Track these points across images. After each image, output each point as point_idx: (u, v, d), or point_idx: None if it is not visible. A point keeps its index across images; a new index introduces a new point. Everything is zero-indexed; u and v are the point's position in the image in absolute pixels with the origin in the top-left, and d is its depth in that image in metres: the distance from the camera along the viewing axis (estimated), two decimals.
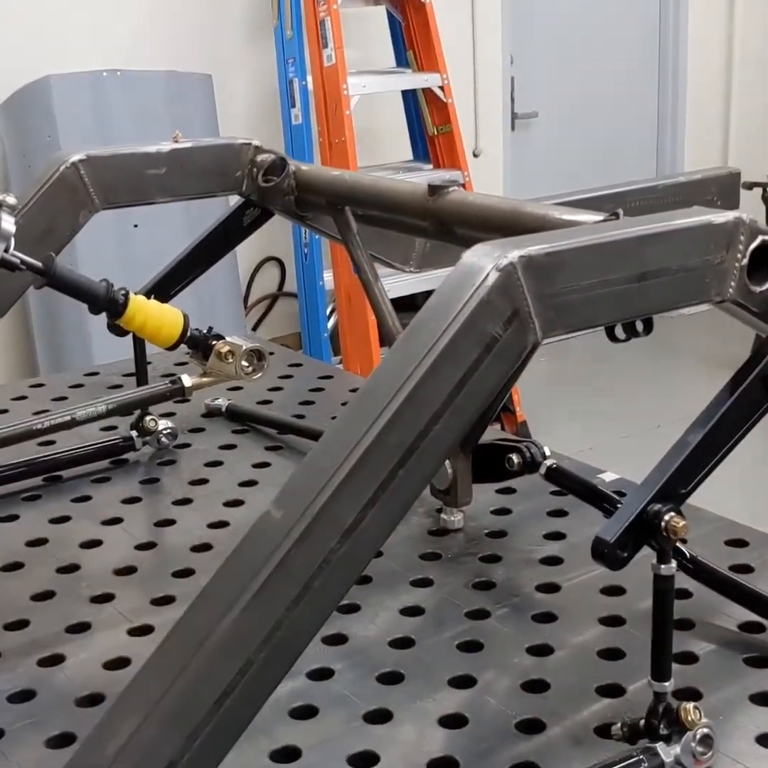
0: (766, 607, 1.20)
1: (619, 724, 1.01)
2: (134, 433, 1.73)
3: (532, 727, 1.08)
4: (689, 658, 1.17)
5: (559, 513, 1.51)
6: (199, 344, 1.43)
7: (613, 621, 1.25)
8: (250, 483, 1.65)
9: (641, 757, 0.97)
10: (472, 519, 1.50)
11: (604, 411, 5.21)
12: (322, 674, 1.17)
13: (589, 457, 4.78)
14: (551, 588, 1.33)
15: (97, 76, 4.00)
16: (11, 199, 1.20)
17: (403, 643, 1.22)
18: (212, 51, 4.50)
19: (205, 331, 1.43)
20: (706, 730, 0.99)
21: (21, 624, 1.29)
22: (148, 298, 1.65)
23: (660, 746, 0.98)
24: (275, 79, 4.39)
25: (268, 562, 0.82)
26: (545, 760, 1.02)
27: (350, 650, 1.21)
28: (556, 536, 1.45)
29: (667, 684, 0.99)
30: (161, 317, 1.38)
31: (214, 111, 4.34)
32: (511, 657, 1.19)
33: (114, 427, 1.82)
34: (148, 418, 1.72)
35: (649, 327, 1.07)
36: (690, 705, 0.98)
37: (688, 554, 1.24)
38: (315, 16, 4.13)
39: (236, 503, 1.58)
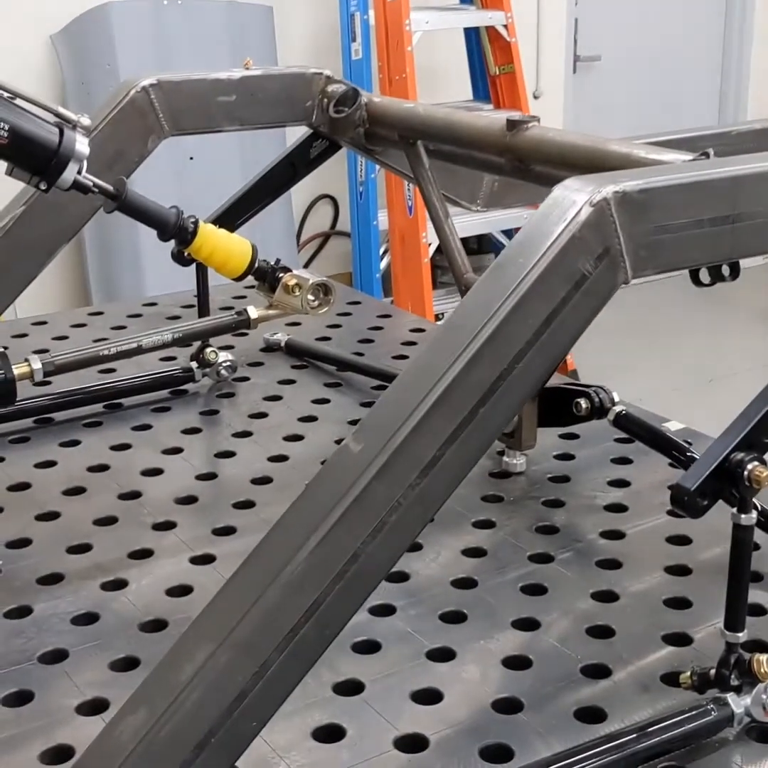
0: None
1: (688, 673, 1.00)
2: (194, 365, 1.73)
3: (597, 672, 1.07)
4: (759, 610, 1.16)
5: (623, 460, 1.49)
6: (266, 276, 1.41)
7: (678, 570, 1.23)
8: (310, 418, 1.64)
9: (711, 706, 0.96)
10: (535, 463, 1.49)
11: (654, 363, 5.16)
12: (384, 610, 1.16)
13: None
14: (615, 535, 1.31)
15: (157, 4, 3.96)
16: (85, 120, 1.18)
17: (466, 583, 1.22)
18: None
19: (272, 263, 1.42)
20: None
21: (84, 548, 1.30)
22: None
23: (730, 696, 0.96)
24: (337, 12, 4.32)
25: (346, 495, 0.81)
26: (612, 705, 1.01)
27: (413, 588, 1.21)
28: (621, 483, 1.43)
29: (740, 634, 0.97)
30: (229, 247, 1.36)
31: (274, 43, 4.28)
32: (575, 602, 1.18)
33: (173, 358, 1.82)
34: (208, 349, 1.71)
35: (736, 271, 1.04)
36: (764, 657, 0.97)
37: (758, 506, 1.21)
38: None
39: (296, 438, 1.58)
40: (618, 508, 1.37)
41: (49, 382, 1.70)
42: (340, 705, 1.03)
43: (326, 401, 1.70)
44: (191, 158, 3.91)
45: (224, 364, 1.74)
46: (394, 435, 0.82)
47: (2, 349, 1.32)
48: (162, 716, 0.78)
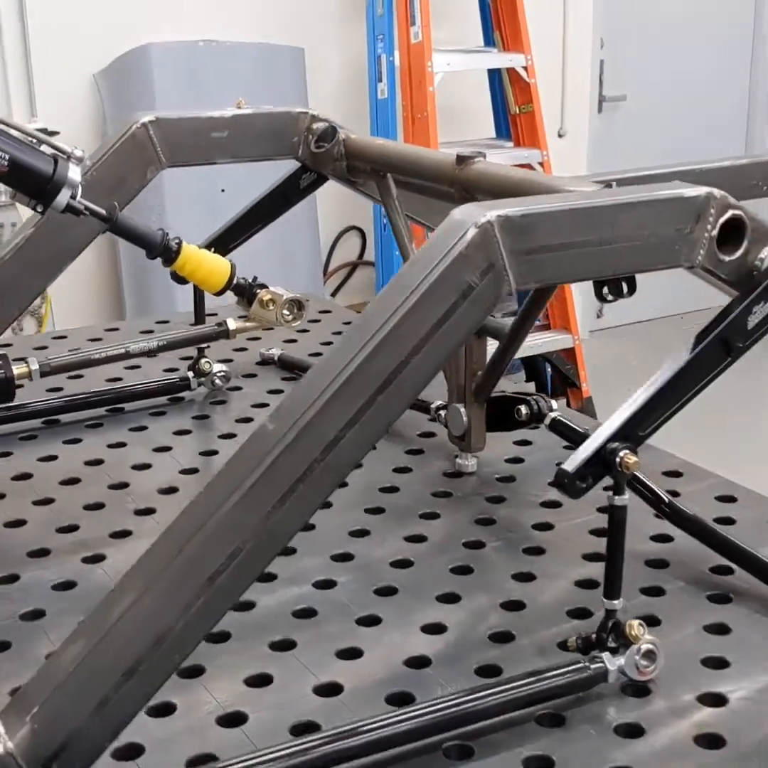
0: (735, 552, 1.31)
1: (574, 638, 1.14)
2: (191, 374, 1.90)
3: (503, 638, 1.21)
4: (658, 591, 1.30)
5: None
6: (244, 291, 1.58)
7: (595, 557, 1.37)
8: None
9: (587, 663, 1.10)
10: (487, 465, 1.63)
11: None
12: (326, 584, 1.32)
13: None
14: (546, 527, 1.46)
15: (193, 46, 4.18)
16: (78, 152, 1.36)
17: (402, 563, 1.37)
18: (306, 25, 4.65)
19: (250, 280, 1.58)
20: (650, 646, 1.11)
21: (72, 528, 1.47)
22: (209, 250, 1.82)
23: (605, 656, 1.10)
24: (365, 54, 4.53)
25: (258, 466, 0.97)
26: (508, 664, 1.15)
27: (355, 566, 1.36)
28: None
29: (616, 602, 1.11)
30: (211, 265, 1.53)
31: (305, 83, 4.49)
32: (497, 581, 1.33)
33: (176, 369, 1.99)
34: (203, 360, 1.88)
35: (632, 288, 1.20)
36: (635, 621, 1.11)
37: (666, 499, 1.36)
38: None
39: None
40: (554, 504, 1.51)
41: (60, 388, 1.89)
42: (272, 658, 1.18)
43: None
44: (223, 190, 4.11)
45: (218, 374, 1.91)
46: (301, 416, 0.98)
47: (2, 352, 1.49)
48: (96, 647, 0.94)
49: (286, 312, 1.60)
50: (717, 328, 1.13)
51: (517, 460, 1.65)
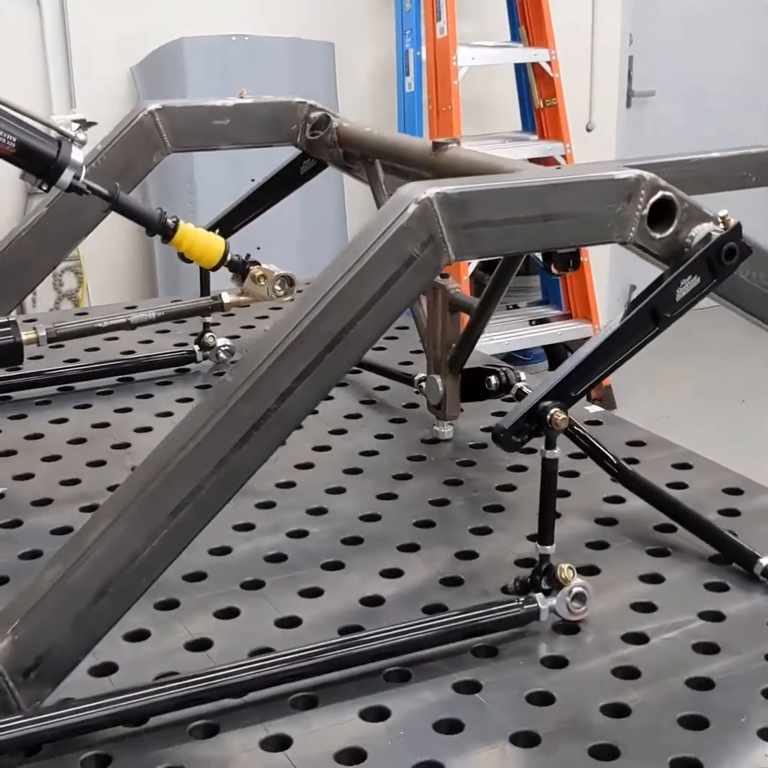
0: (677, 510, 1.41)
1: (513, 581, 1.25)
2: (196, 348, 2.02)
3: (452, 582, 1.32)
4: (602, 545, 1.40)
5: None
6: (237, 267, 1.70)
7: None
8: None
9: (520, 601, 1.21)
10: (464, 433, 1.74)
11: (688, 384, 5.31)
12: (298, 534, 1.44)
13: (663, 424, 4.94)
14: (509, 488, 1.57)
15: (226, 41, 4.32)
16: (81, 136, 1.49)
17: (371, 517, 1.48)
18: (336, 20, 4.77)
19: (243, 257, 1.71)
20: (580, 589, 1.22)
21: (74, 482, 1.60)
22: (214, 230, 1.94)
23: (538, 596, 1.21)
24: (393, 49, 4.64)
25: (218, 412, 1.09)
26: (453, 605, 1.26)
27: (326, 519, 1.48)
28: (530, 451, 1.68)
29: (548, 547, 1.22)
30: (206, 242, 1.65)
31: (335, 77, 4.62)
32: (455, 534, 1.44)
33: (185, 344, 2.12)
34: (207, 335, 2.01)
35: (576, 263, 1.31)
36: (565, 565, 1.22)
37: (614, 461, 1.45)
38: None
39: None
40: (519, 469, 1.62)
41: (76, 360, 2.03)
42: (241, 596, 1.30)
43: None
44: (252, 179, 4.23)
45: (223, 348, 2.04)
46: (256, 369, 1.10)
47: (13, 319, 1.63)
48: (71, 568, 1.07)
49: (277, 287, 1.72)
50: (646, 298, 1.24)
51: (492, 429, 1.76)
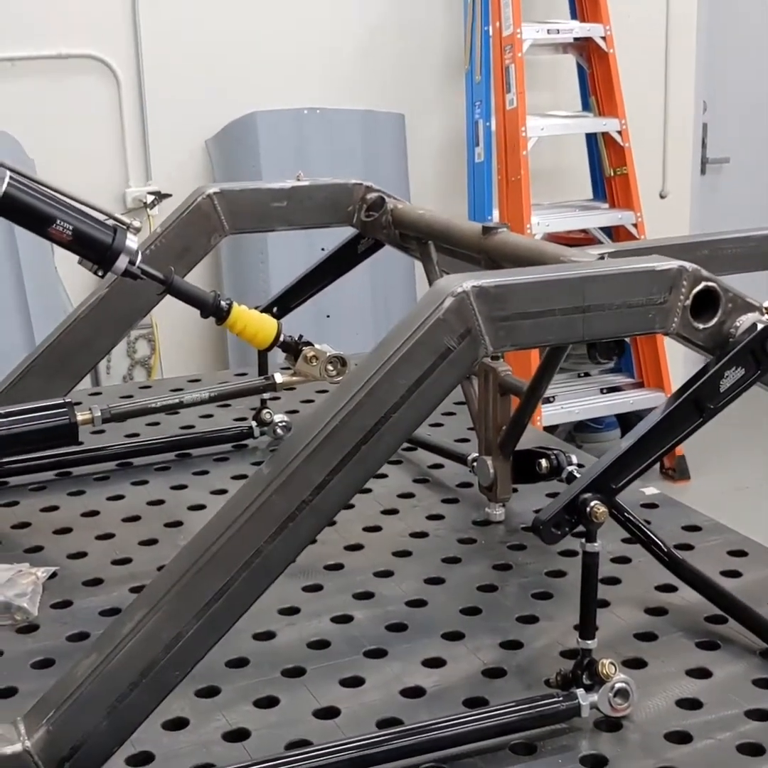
0: (727, 602, 1.38)
1: (555, 674, 1.23)
2: (254, 424, 2.04)
3: (495, 673, 1.31)
4: (650, 636, 1.38)
5: None
6: (290, 348, 1.72)
7: (599, 604, 1.44)
8: None
9: (560, 696, 1.19)
10: (516, 515, 1.73)
11: (765, 452, 5.20)
12: (343, 619, 1.43)
13: (741, 496, 4.88)
14: (558, 574, 1.55)
15: (298, 114, 4.41)
16: (136, 223, 1.53)
17: (417, 603, 1.47)
18: (407, 92, 4.84)
19: (296, 338, 1.73)
20: (623, 685, 1.20)
21: (126, 561, 1.62)
22: (271, 310, 1.97)
23: (579, 692, 1.19)
24: (463, 119, 4.70)
25: (252, 504, 1.10)
26: (494, 696, 1.25)
27: (372, 603, 1.47)
28: (580, 535, 1.66)
29: (590, 642, 1.20)
30: (259, 324, 1.68)
31: (405, 147, 4.67)
32: (501, 622, 1.42)
33: (245, 418, 2.14)
34: (264, 411, 2.03)
35: (621, 351, 1.30)
36: (607, 660, 1.20)
37: (664, 548, 1.42)
38: (501, 62, 4.41)
39: None
40: (570, 553, 1.59)
41: (137, 434, 2.06)
42: (281, 683, 1.30)
43: None
44: (322, 249, 4.29)
45: (280, 424, 2.05)
46: (291, 462, 1.11)
47: (72, 401, 1.66)
48: (106, 658, 1.08)
49: (329, 367, 1.73)
50: (690, 389, 1.22)
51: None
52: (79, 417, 1.64)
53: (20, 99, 4.18)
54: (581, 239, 4.65)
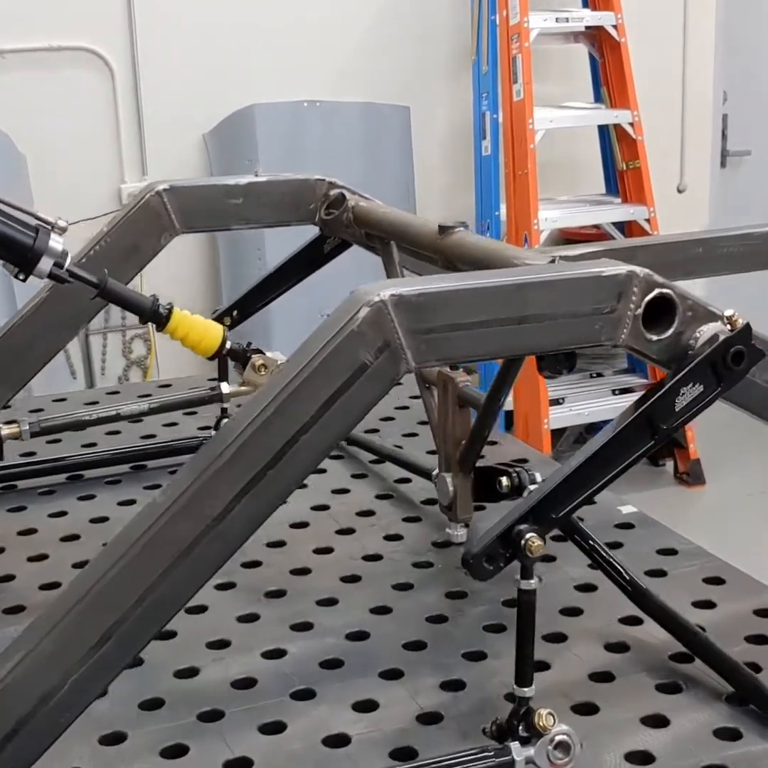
0: (696, 641, 1.25)
1: (490, 723, 1.11)
2: (213, 433, 1.93)
3: (431, 719, 1.19)
4: (607, 676, 1.25)
5: (557, 538, 1.59)
6: (238, 356, 1.61)
7: (558, 637, 1.33)
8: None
9: (492, 751, 1.07)
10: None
11: None
12: (274, 654, 1.32)
13: (758, 500, 4.71)
14: (516, 603, 1.42)
15: (297, 106, 4.29)
16: (62, 223, 1.42)
17: (359, 636, 1.35)
18: (412, 84, 4.71)
19: (245, 345, 1.61)
20: (564, 737, 1.07)
21: (54, 585, 1.51)
22: (231, 313, 1.86)
23: (514, 745, 1.07)
24: (470, 111, 4.56)
25: (142, 537, 0.99)
26: (425, 746, 1.13)
27: (310, 636, 1.36)
28: (544, 559, 1.53)
29: (527, 690, 1.08)
30: (204, 330, 1.57)
31: (410, 141, 4.54)
32: (446, 659, 1.30)
33: (209, 427, 2.03)
34: (225, 420, 1.91)
35: (571, 366, 1.17)
36: (544, 711, 1.07)
37: (627, 576, 1.29)
38: (508, 52, 4.28)
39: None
40: None
41: (95, 444, 1.96)
42: (194, 730, 1.19)
43: (322, 470, 1.86)
44: None
45: None
46: (186, 490, 1.00)
47: None
48: None
49: None
50: (642, 406, 1.10)
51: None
52: (5, 431, 1.54)
53: (11, 93, 4.08)
54: (592, 235, 4.51)
